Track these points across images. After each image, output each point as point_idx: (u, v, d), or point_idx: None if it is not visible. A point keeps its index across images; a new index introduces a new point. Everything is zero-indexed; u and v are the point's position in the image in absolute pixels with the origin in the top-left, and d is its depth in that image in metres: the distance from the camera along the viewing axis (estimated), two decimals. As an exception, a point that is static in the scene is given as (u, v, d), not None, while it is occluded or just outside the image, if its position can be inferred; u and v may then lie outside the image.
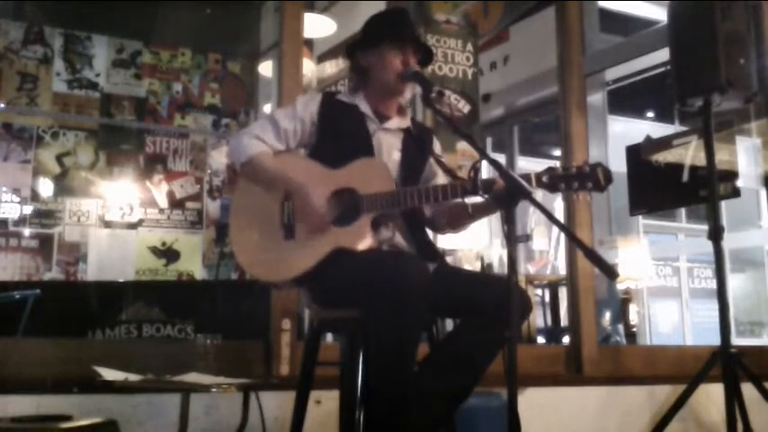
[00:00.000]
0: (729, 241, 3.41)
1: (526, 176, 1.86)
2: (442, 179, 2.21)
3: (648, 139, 3.83)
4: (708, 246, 2.86)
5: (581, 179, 1.86)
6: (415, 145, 2.18)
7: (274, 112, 2.20)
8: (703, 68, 2.85)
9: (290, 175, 2.02)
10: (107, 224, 6.55)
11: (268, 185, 2.07)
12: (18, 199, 6.29)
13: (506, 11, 5.44)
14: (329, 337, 2.73)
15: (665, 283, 9.16)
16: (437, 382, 1.93)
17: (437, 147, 2.28)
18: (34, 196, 6.37)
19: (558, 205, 4.17)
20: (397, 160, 2.13)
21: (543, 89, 5.87)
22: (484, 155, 1.87)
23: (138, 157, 6.82)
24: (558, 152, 7.63)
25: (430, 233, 2.25)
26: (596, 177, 1.86)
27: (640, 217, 7.35)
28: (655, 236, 9.17)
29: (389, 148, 2.14)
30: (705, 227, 2.97)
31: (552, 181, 1.88)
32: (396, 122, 2.18)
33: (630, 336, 5.47)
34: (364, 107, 2.15)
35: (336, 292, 1.98)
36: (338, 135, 2.11)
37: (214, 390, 2.02)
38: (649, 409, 3.11)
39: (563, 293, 4.94)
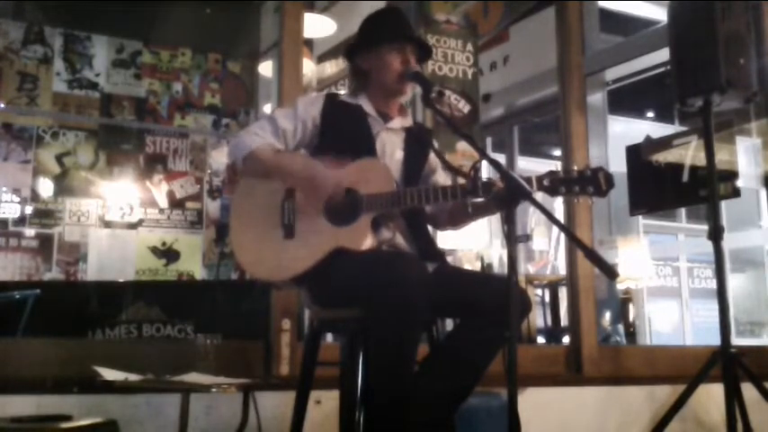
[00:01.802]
0: (729, 241, 3.41)
1: (527, 179, 1.86)
2: (441, 175, 2.25)
3: (648, 139, 3.83)
4: (708, 246, 2.85)
5: (582, 183, 1.86)
6: (417, 143, 2.20)
7: (273, 112, 2.20)
8: (703, 68, 2.84)
9: (293, 164, 2.03)
10: (107, 224, 6.56)
11: (271, 176, 2.07)
12: (18, 199, 6.30)
13: (506, 11, 5.44)
14: (329, 337, 2.73)
15: (665, 283, 9.17)
16: (437, 382, 1.93)
17: (435, 146, 2.28)
18: (34, 196, 6.38)
19: (557, 205, 4.17)
20: (399, 159, 2.14)
21: (543, 89, 5.87)
22: (484, 155, 1.87)
23: (138, 157, 6.83)
24: (557, 152, 7.63)
25: (430, 228, 2.26)
26: (598, 182, 1.86)
27: (640, 217, 7.35)
28: (655, 236, 9.17)
29: (393, 147, 2.15)
30: (705, 227, 2.97)
31: (553, 184, 1.87)
32: (398, 122, 2.19)
33: (630, 336, 5.47)
34: (368, 107, 2.15)
35: (336, 292, 1.98)
36: (340, 136, 2.11)
37: (214, 390, 2.02)
38: (649, 409, 3.11)
39: (563, 293, 4.94)
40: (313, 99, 2.17)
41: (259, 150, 2.05)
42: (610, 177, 1.87)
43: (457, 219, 2.21)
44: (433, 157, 2.24)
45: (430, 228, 2.26)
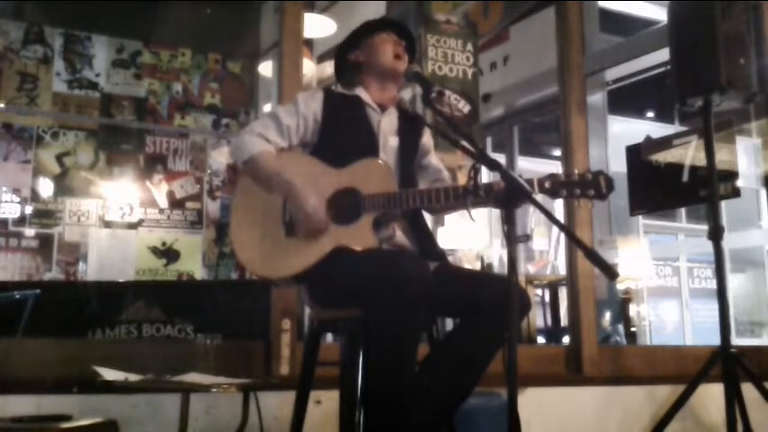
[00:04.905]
0: (729, 241, 3.41)
1: (529, 182, 1.87)
2: (434, 157, 2.31)
3: (648, 139, 3.83)
4: (708, 246, 2.85)
5: (583, 186, 1.88)
6: (409, 126, 2.23)
7: (276, 109, 2.22)
8: (703, 68, 2.84)
9: (290, 178, 2.02)
10: (107, 224, 6.56)
11: (268, 186, 2.08)
12: (18, 199, 6.29)
13: (506, 11, 5.44)
14: (329, 337, 2.73)
15: (665, 283, 9.15)
16: (437, 381, 1.93)
17: (426, 134, 2.31)
18: (34, 196, 6.38)
19: (557, 205, 4.17)
20: (394, 146, 2.16)
21: (543, 89, 5.87)
22: (483, 155, 1.88)
23: (138, 157, 6.83)
24: (557, 152, 7.63)
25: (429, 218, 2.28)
26: (598, 185, 1.88)
27: (640, 217, 7.35)
28: (655, 236, 9.17)
29: (389, 134, 2.17)
30: (705, 227, 2.97)
31: (554, 187, 1.89)
32: (392, 109, 2.22)
33: (630, 336, 5.47)
34: (365, 97, 2.18)
35: (337, 291, 1.98)
36: (342, 130, 2.12)
37: (214, 390, 2.02)
38: (649, 409, 3.11)
39: (563, 293, 4.94)
40: (313, 94, 2.18)
41: (260, 158, 2.05)
42: (610, 181, 1.89)
43: (451, 208, 2.23)
44: (425, 140, 2.28)
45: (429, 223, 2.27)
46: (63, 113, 6.64)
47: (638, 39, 5.94)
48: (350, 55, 2.24)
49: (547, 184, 1.89)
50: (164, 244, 6.72)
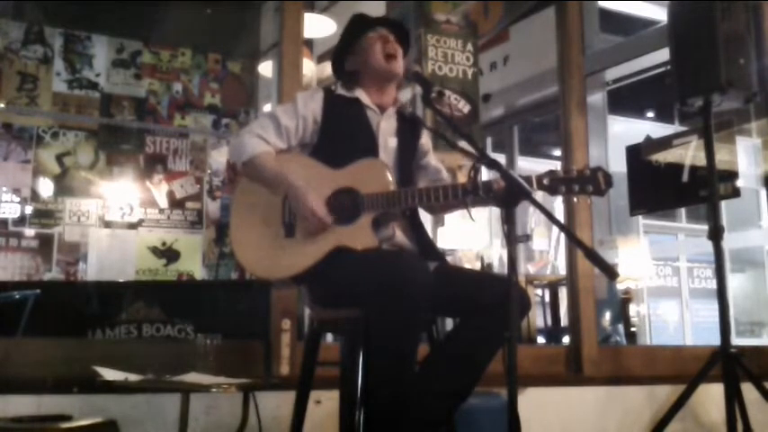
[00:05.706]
0: (729, 241, 3.42)
1: (527, 179, 1.87)
2: (432, 157, 2.31)
3: (648, 139, 3.83)
4: (708, 246, 2.86)
5: (581, 183, 1.88)
6: (408, 127, 2.23)
7: (275, 110, 2.21)
8: (703, 68, 2.85)
9: (290, 177, 2.02)
10: (107, 224, 6.56)
11: (268, 186, 2.08)
12: (18, 199, 6.30)
13: (506, 11, 5.44)
14: (329, 337, 2.73)
15: (665, 283, 9.15)
16: (437, 381, 1.93)
17: (425, 135, 2.32)
18: (34, 196, 6.38)
19: (558, 205, 4.17)
20: (393, 147, 2.16)
21: (543, 89, 5.87)
22: (483, 155, 1.88)
23: (138, 157, 6.84)
24: (558, 152, 7.63)
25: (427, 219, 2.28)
26: (597, 181, 1.87)
27: (640, 217, 7.35)
28: (655, 236, 9.16)
29: (388, 135, 2.17)
30: (705, 227, 2.97)
31: (553, 184, 1.89)
32: (392, 111, 2.22)
33: (630, 336, 5.47)
34: (365, 99, 2.18)
35: (337, 291, 1.98)
36: (342, 131, 2.12)
37: (214, 390, 2.02)
38: (649, 409, 3.11)
39: (563, 293, 4.94)
40: (312, 94, 2.18)
41: (259, 158, 2.05)
42: (608, 177, 1.89)
43: (450, 208, 2.23)
44: (423, 141, 2.28)
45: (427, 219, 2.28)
46: (63, 113, 6.65)
47: (638, 39, 5.94)
48: (346, 63, 2.24)
49: (545, 181, 1.89)
50: (164, 244, 6.72)
